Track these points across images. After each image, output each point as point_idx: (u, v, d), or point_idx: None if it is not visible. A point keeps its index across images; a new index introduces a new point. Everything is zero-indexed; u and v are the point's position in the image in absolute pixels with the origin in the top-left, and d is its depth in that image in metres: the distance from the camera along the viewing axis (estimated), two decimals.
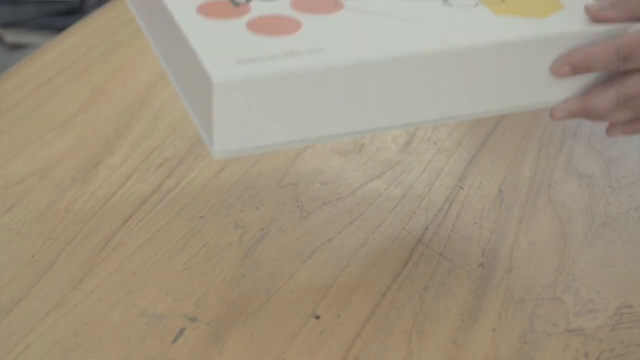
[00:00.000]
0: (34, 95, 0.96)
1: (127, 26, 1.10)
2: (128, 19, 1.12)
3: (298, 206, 0.80)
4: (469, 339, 0.67)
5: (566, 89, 0.68)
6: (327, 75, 0.62)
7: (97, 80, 0.99)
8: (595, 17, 0.66)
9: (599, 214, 0.80)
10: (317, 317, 0.68)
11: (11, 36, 1.75)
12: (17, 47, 1.71)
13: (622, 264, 0.74)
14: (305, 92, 0.62)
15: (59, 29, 1.14)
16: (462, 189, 0.82)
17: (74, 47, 1.06)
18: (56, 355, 0.65)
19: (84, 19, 1.13)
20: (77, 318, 0.68)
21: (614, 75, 0.67)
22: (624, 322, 0.69)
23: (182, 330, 0.67)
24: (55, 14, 1.71)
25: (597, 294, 0.71)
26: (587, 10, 0.67)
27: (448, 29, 0.67)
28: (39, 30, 1.70)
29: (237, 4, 0.69)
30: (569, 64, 0.66)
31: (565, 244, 0.76)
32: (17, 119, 0.92)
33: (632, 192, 0.82)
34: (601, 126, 0.92)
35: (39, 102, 0.95)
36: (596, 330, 0.68)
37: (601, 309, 0.70)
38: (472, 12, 0.69)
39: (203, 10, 0.68)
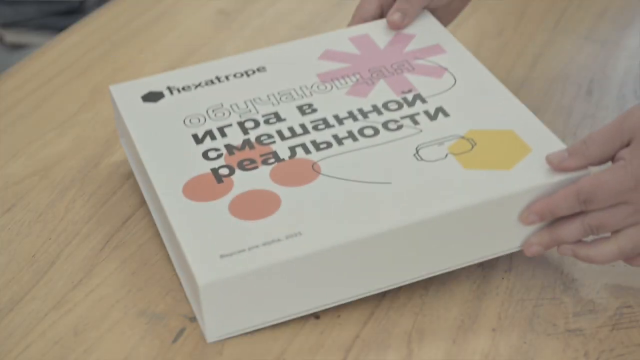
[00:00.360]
0: (34, 95, 0.96)
1: (127, 26, 1.10)
2: (128, 19, 1.12)
3: None
4: (469, 339, 0.67)
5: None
6: (306, 260, 0.65)
7: (97, 80, 0.99)
8: (557, 168, 0.69)
9: None
10: (317, 317, 0.68)
11: (11, 36, 1.75)
12: (17, 47, 1.71)
13: (622, 264, 0.74)
14: (285, 277, 0.65)
15: (58, 29, 1.14)
16: None
17: (74, 47, 1.06)
18: (56, 355, 0.65)
19: (84, 19, 1.13)
20: (77, 318, 0.68)
21: None
22: (623, 322, 0.69)
23: (182, 330, 0.67)
24: (55, 14, 1.71)
25: (597, 294, 0.71)
26: (549, 162, 0.70)
27: (420, 194, 0.69)
28: (39, 30, 1.70)
29: (220, 179, 0.71)
30: (534, 214, 0.69)
31: None
32: (17, 119, 0.92)
33: None
34: (601, 126, 0.92)
35: (39, 102, 0.95)
36: (596, 330, 0.68)
37: (601, 309, 0.70)
38: (442, 166, 0.71)
39: (188, 189, 0.71)
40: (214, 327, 0.65)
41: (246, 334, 0.67)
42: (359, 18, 0.89)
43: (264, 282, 0.65)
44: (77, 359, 0.65)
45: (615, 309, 0.70)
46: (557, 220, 0.69)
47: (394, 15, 0.85)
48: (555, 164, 0.69)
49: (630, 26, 1.12)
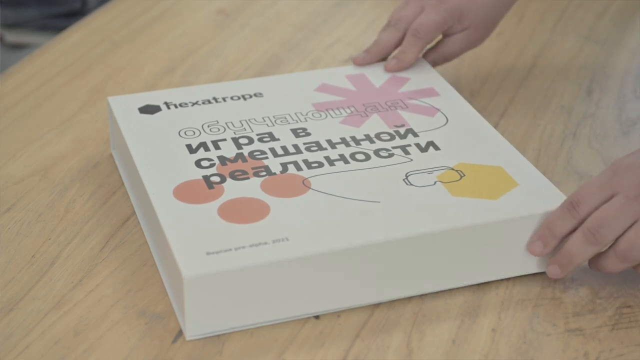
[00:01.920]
0: (34, 95, 0.96)
1: (127, 26, 1.10)
2: (128, 19, 1.12)
3: None
4: (469, 339, 0.67)
5: (527, 266, 0.72)
6: (291, 264, 0.66)
7: (97, 80, 0.99)
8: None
9: None
10: (317, 317, 0.68)
11: (11, 36, 1.75)
12: (18, 48, 1.71)
13: None
14: (269, 280, 0.66)
15: (59, 30, 1.14)
16: None
17: (74, 47, 1.06)
18: (56, 355, 0.65)
19: (84, 19, 1.13)
20: (77, 318, 0.68)
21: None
22: (623, 322, 0.69)
23: (182, 330, 0.67)
24: (56, 16, 1.71)
25: (597, 294, 0.71)
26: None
27: (407, 213, 0.70)
28: (40, 31, 1.70)
29: (211, 185, 0.72)
30: (537, 239, 0.70)
31: None
32: (17, 119, 0.92)
33: None
34: (601, 126, 0.93)
35: (39, 102, 0.95)
36: (596, 330, 0.68)
37: (601, 309, 0.70)
38: (430, 191, 0.72)
39: (178, 192, 0.72)
40: (194, 324, 0.65)
41: (246, 333, 0.67)
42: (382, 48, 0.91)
43: (247, 283, 0.65)
44: (77, 359, 0.65)
45: (615, 309, 0.70)
46: (596, 257, 0.70)
47: (391, 61, 0.90)
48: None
49: (630, 26, 1.12)
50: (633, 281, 0.72)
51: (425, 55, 0.93)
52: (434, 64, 0.93)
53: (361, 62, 0.91)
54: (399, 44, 0.91)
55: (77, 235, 0.76)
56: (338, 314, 0.69)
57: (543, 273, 0.72)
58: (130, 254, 0.74)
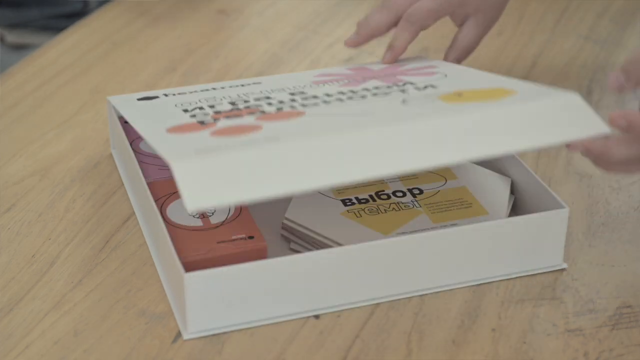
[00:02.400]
0: (34, 95, 0.96)
1: (127, 26, 1.10)
2: (128, 19, 1.12)
3: None
4: (469, 339, 0.67)
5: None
6: (282, 152, 0.64)
7: (97, 80, 0.99)
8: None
9: (598, 214, 0.80)
10: (317, 317, 0.68)
11: (12, 37, 1.75)
12: (19, 48, 1.71)
13: (622, 264, 0.74)
14: (261, 173, 0.63)
15: (60, 31, 1.14)
16: None
17: (74, 47, 1.06)
18: (56, 355, 0.65)
19: (84, 19, 1.13)
20: (77, 318, 0.68)
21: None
22: (623, 322, 0.69)
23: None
24: (57, 17, 1.71)
25: (597, 294, 0.71)
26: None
27: (401, 117, 0.70)
28: (41, 31, 1.70)
29: (204, 123, 0.72)
30: (622, 117, 0.66)
31: (565, 244, 0.76)
32: (17, 119, 0.92)
33: (631, 192, 0.82)
34: None
35: (39, 102, 0.95)
36: (596, 330, 0.68)
37: (601, 309, 0.70)
38: (428, 104, 0.73)
39: (173, 129, 0.72)
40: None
41: (246, 333, 0.67)
42: (370, 30, 0.90)
43: (241, 177, 0.63)
44: (77, 359, 0.65)
45: (615, 309, 0.70)
46: (612, 140, 0.67)
47: (386, 54, 0.89)
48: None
49: (630, 26, 1.12)
50: (633, 281, 0.72)
51: (446, 57, 0.92)
52: (458, 61, 0.91)
53: (352, 44, 0.89)
54: (390, 26, 0.89)
55: (77, 235, 0.76)
56: (338, 314, 0.69)
57: (543, 273, 0.72)
58: (130, 254, 0.74)
